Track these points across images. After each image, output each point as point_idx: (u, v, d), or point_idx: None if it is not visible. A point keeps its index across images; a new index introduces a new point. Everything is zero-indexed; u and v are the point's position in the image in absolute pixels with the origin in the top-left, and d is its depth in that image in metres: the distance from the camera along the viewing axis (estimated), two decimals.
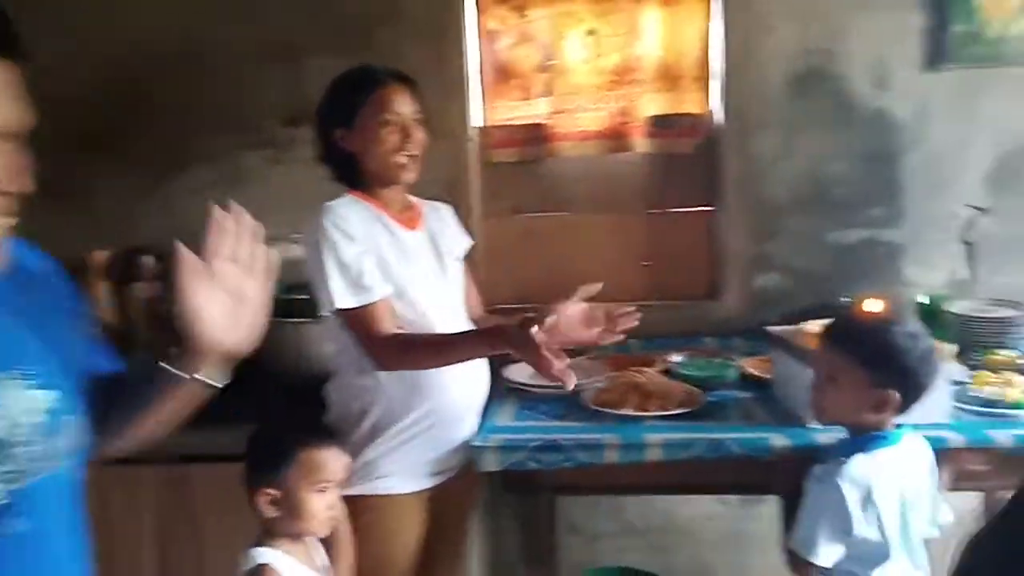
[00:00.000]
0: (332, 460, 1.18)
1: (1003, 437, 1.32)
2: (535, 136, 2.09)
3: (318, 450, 1.17)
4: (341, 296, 1.31)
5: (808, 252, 2.13)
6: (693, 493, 1.71)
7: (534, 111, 2.08)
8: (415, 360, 1.34)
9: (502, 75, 2.07)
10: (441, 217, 1.57)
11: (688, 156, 2.11)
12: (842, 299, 1.99)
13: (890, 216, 2.10)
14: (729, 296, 2.17)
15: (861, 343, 1.17)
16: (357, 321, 1.32)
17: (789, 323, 1.61)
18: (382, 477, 1.37)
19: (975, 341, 1.74)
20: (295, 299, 1.60)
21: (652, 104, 2.05)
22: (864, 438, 1.20)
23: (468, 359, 1.36)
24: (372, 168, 1.40)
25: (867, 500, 1.15)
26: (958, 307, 1.87)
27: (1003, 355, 1.65)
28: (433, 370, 1.35)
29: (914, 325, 1.21)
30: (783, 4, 2.04)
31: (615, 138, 2.05)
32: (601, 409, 1.46)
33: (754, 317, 2.02)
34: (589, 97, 2.05)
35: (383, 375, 1.35)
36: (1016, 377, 1.50)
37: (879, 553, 1.17)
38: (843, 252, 2.12)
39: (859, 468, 1.16)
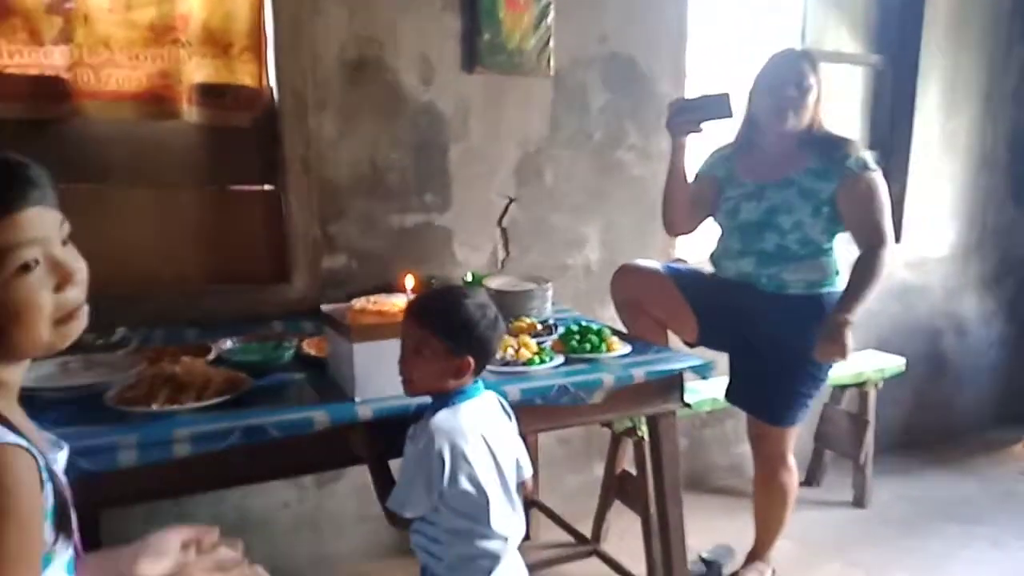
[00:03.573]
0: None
1: (514, 390, 1.54)
2: (49, 91, 1.73)
3: None
4: None
5: (372, 234, 2.21)
6: (266, 480, 1.63)
7: (48, 61, 1.72)
8: None
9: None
10: None
11: (245, 131, 1.98)
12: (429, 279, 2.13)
13: (441, 202, 2.30)
14: (297, 278, 2.13)
15: (439, 316, 1.26)
16: None
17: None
18: None
19: (507, 311, 2.01)
20: None
21: (200, 70, 1.87)
22: (447, 395, 1.28)
23: None
24: None
25: (455, 451, 1.23)
26: (495, 283, 2.14)
27: (525, 321, 1.94)
28: None
29: (482, 297, 1.33)
30: None
31: (156, 103, 1.81)
32: (123, 408, 1.28)
33: (323, 298, 2.02)
34: (121, 53, 1.77)
35: None
36: (530, 340, 1.77)
37: (481, 503, 1.26)
38: (403, 235, 2.25)
39: (445, 421, 1.25)
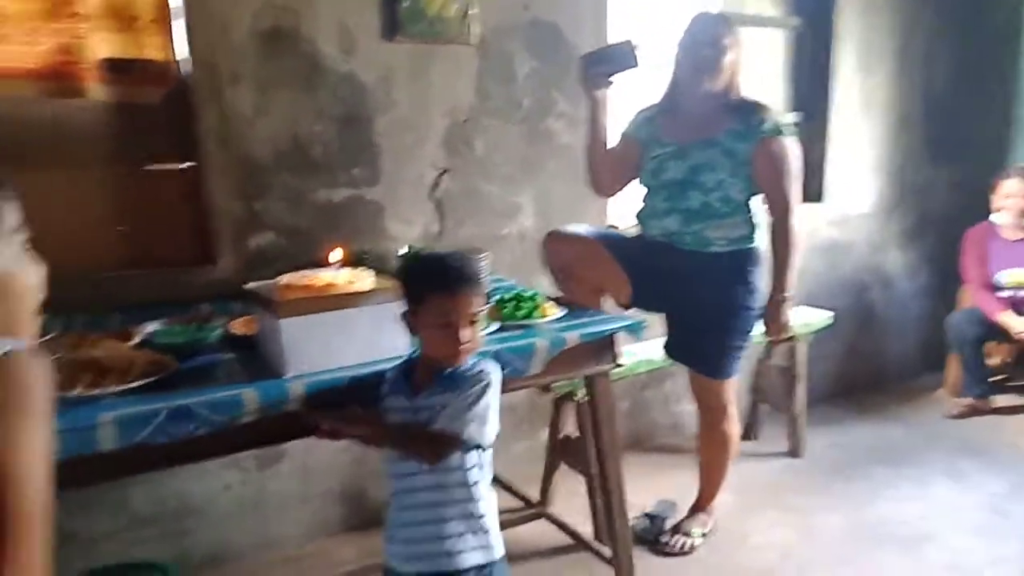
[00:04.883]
0: None
1: None
2: None
3: None
4: None
5: (300, 210, 2.16)
6: (206, 459, 1.59)
7: None
8: None
9: None
10: None
11: (156, 107, 1.91)
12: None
13: (370, 176, 2.26)
14: (223, 258, 2.07)
15: (480, 279, 1.33)
16: None
17: None
18: None
19: None
20: None
21: (104, 45, 1.79)
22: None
23: None
24: None
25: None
26: None
27: None
28: None
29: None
30: None
31: (57, 80, 1.73)
32: None
33: (252, 278, 1.97)
34: (15, 28, 1.68)
35: None
36: None
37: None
38: (331, 210, 2.21)
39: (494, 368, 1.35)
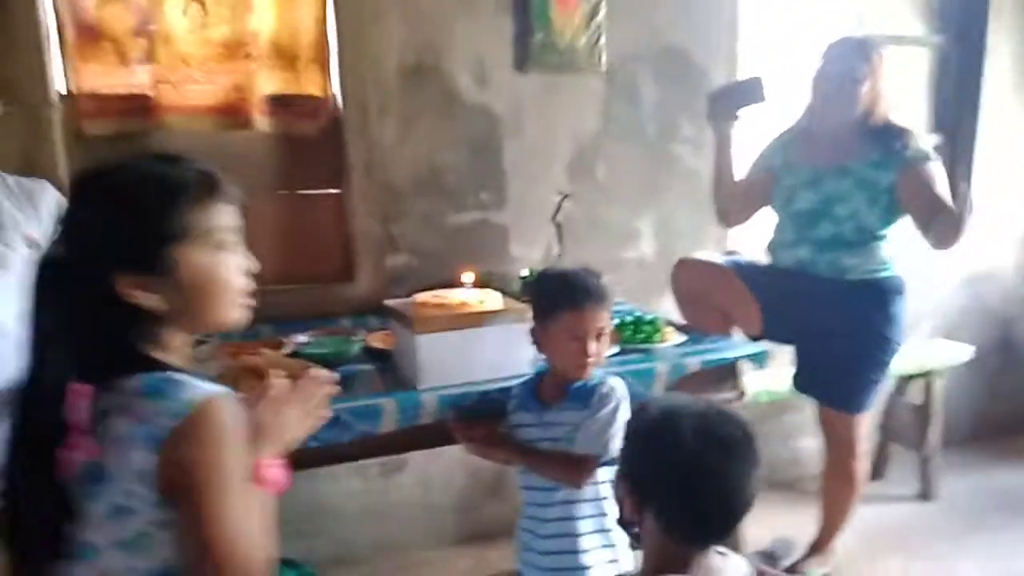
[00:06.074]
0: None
1: None
2: (136, 107, 1.87)
3: None
4: None
5: (431, 233, 2.30)
6: (349, 461, 1.73)
7: (134, 80, 1.87)
8: None
9: (91, 36, 1.81)
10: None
11: (313, 138, 2.10)
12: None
13: (497, 201, 2.37)
14: (362, 276, 2.24)
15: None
16: None
17: None
18: None
19: None
20: None
21: (269, 83, 2.00)
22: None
23: None
24: None
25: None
26: None
27: None
28: None
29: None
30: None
31: (231, 114, 1.94)
32: None
33: (387, 295, 2.11)
34: (198, 69, 1.91)
35: None
36: None
37: None
38: (460, 233, 2.33)
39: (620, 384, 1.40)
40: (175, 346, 0.92)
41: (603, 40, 2.35)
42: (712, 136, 2.12)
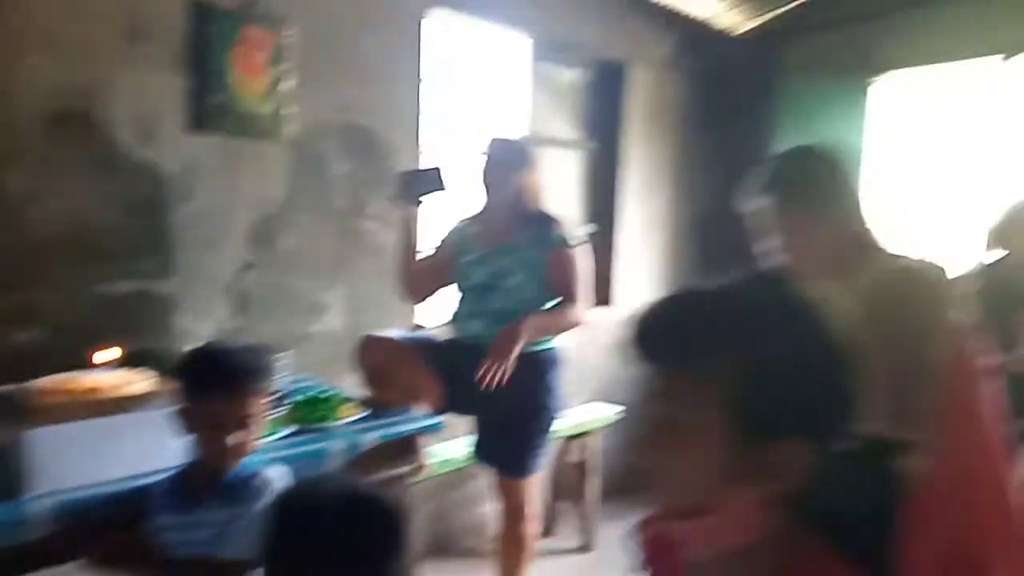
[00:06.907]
0: None
1: None
2: None
3: None
4: None
5: (74, 303, 1.97)
6: None
7: None
8: None
9: None
10: None
11: None
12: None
13: (160, 268, 2.13)
14: None
15: None
16: None
17: None
18: None
19: None
20: None
21: None
22: None
23: None
24: None
25: None
26: None
27: None
28: None
29: None
30: (42, 34, 1.88)
31: None
32: None
33: (11, 378, 1.74)
34: None
35: None
36: None
37: None
38: (112, 303, 2.04)
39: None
40: None
41: (290, 110, 2.31)
42: (398, 215, 2.19)
